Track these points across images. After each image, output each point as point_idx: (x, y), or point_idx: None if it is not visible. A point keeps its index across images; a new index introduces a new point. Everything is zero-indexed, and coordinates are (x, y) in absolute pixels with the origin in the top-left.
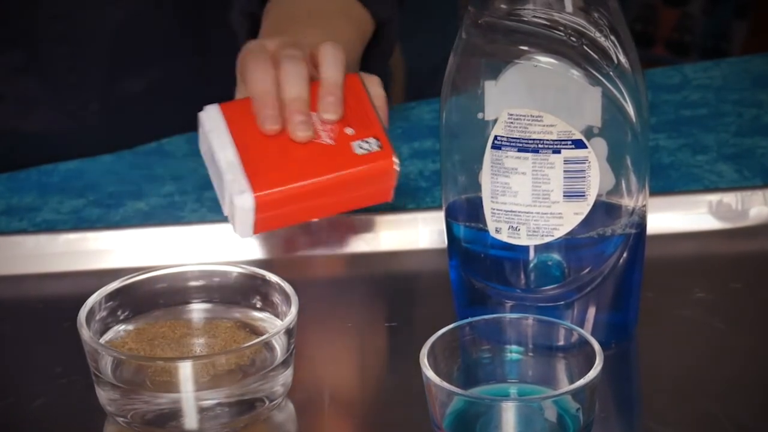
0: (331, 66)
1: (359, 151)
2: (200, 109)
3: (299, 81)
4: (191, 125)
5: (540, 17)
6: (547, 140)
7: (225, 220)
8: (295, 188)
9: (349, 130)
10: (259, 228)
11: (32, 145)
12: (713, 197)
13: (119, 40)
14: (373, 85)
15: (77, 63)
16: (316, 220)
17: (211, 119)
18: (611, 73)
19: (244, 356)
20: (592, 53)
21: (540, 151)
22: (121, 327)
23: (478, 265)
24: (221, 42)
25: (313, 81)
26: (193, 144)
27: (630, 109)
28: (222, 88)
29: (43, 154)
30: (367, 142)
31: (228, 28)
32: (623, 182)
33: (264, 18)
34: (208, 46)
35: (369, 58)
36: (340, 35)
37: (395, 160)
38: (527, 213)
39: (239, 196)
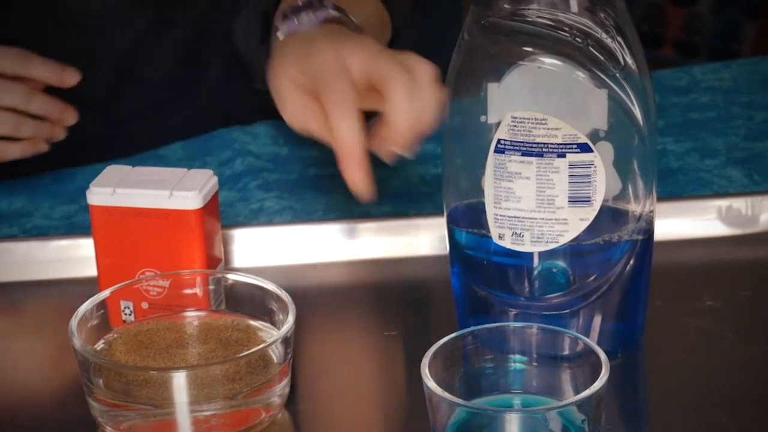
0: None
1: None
2: (197, 116)
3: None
4: (187, 131)
5: (544, 17)
6: (552, 144)
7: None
8: None
9: None
10: None
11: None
12: (722, 202)
13: (118, 58)
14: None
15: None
16: (313, 226)
17: None
18: (618, 75)
19: (240, 366)
20: (598, 54)
21: (544, 155)
22: (114, 336)
23: (481, 273)
24: (218, 53)
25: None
26: (188, 150)
27: (637, 112)
28: (218, 96)
29: (39, 163)
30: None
31: (225, 42)
32: (630, 187)
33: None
34: (205, 58)
35: None
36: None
37: None
38: (531, 219)
39: None
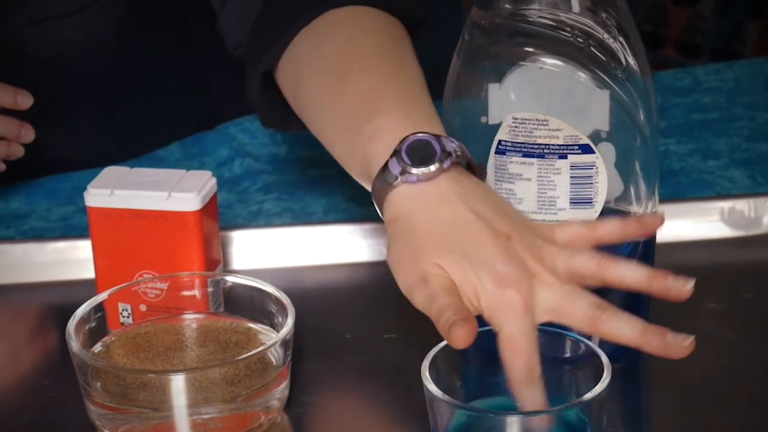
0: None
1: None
2: (193, 117)
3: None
4: (183, 132)
5: (546, 18)
6: (553, 145)
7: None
8: None
9: None
10: None
11: (25, 157)
12: (725, 204)
13: (112, 59)
14: None
15: (71, 83)
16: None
17: None
18: (619, 75)
19: (238, 369)
20: (599, 55)
21: (546, 156)
22: (111, 338)
23: None
24: (211, 53)
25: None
26: (186, 149)
27: (639, 113)
28: (214, 96)
29: (37, 166)
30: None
31: (216, 45)
32: (632, 188)
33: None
34: (199, 59)
35: None
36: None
37: None
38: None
39: None
